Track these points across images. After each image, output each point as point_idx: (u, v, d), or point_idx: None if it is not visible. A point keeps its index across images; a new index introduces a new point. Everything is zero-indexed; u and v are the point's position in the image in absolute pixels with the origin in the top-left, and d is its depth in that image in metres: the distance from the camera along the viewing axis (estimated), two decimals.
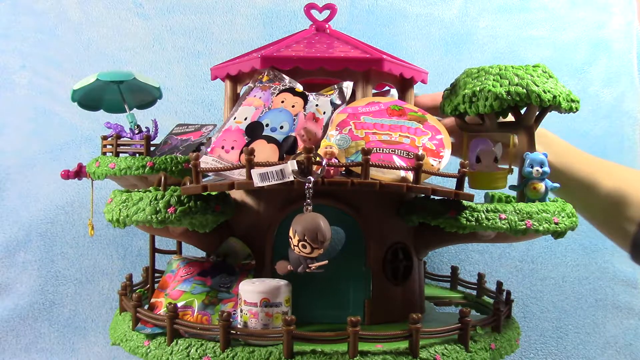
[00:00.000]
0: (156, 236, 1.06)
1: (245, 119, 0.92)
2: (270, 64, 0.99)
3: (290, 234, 0.80)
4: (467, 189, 0.97)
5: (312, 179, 0.79)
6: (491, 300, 1.18)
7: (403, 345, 0.84)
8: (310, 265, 0.79)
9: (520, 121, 1.06)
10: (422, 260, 1.10)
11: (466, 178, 0.95)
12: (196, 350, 0.84)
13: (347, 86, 0.95)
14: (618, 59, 1.63)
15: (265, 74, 0.98)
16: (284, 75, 0.98)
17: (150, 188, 1.00)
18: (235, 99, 1.08)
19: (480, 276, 1.23)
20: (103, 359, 1.50)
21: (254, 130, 0.90)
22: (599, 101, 1.61)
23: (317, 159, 0.81)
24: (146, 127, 1.16)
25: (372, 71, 1.01)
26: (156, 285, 1.03)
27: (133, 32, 1.56)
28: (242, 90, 1.07)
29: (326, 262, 0.80)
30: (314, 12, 1.13)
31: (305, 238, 0.77)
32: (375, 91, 1.18)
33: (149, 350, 0.88)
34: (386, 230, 1.00)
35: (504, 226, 0.91)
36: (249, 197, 1.01)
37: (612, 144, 1.61)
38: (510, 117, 1.09)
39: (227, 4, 1.58)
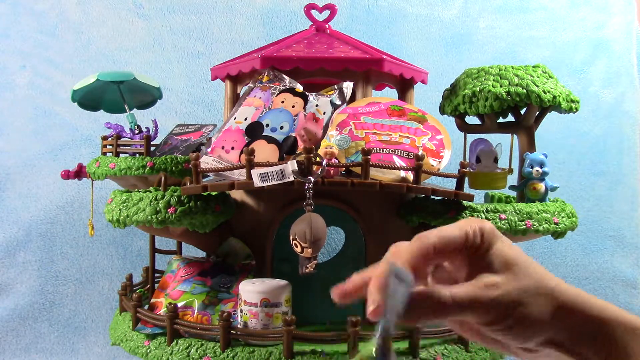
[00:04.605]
0: (156, 236, 1.06)
1: (246, 119, 0.92)
2: (271, 64, 0.99)
3: None
4: (467, 189, 0.97)
5: (312, 179, 0.79)
6: None
7: (403, 345, 0.84)
8: (307, 266, 0.79)
9: (520, 121, 1.06)
10: None
11: (466, 178, 0.95)
12: (196, 350, 0.84)
13: (347, 86, 0.95)
14: (618, 59, 1.63)
15: (266, 74, 0.98)
16: (284, 76, 0.98)
17: (151, 188, 0.99)
18: (235, 99, 1.08)
19: None
20: (103, 359, 1.50)
21: (254, 131, 0.90)
22: (599, 101, 1.61)
23: (317, 159, 0.81)
24: (146, 127, 1.16)
25: (372, 71, 1.01)
26: (156, 285, 1.03)
27: (133, 32, 1.56)
28: (242, 90, 1.07)
29: (316, 261, 0.80)
30: (314, 13, 1.13)
31: (296, 237, 0.77)
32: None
33: (149, 350, 0.88)
34: (386, 230, 1.00)
35: (504, 226, 0.91)
36: (249, 197, 1.01)
37: (612, 144, 1.61)
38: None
39: (227, 4, 1.58)
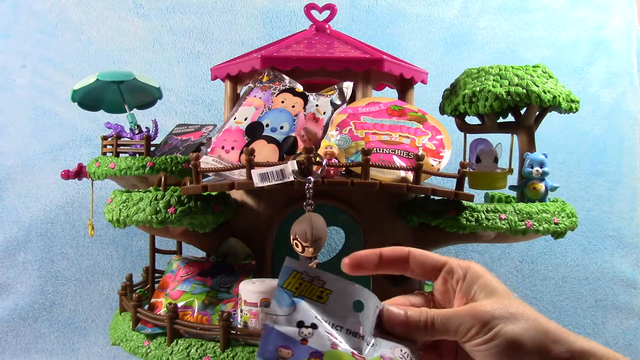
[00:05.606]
0: (156, 236, 1.06)
1: (246, 119, 0.92)
2: (271, 64, 0.99)
3: None
4: (467, 189, 0.97)
5: (312, 179, 0.79)
6: None
7: None
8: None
9: (520, 121, 1.06)
10: None
11: (466, 178, 0.95)
12: (196, 350, 0.84)
13: (347, 86, 0.95)
14: (618, 59, 1.63)
15: (266, 74, 0.98)
16: (284, 76, 0.98)
17: (151, 188, 0.99)
18: (235, 99, 1.08)
19: None
20: (103, 359, 1.50)
21: (254, 131, 0.90)
22: (599, 101, 1.61)
23: (317, 159, 0.81)
24: (146, 127, 1.16)
25: (372, 71, 1.01)
26: (156, 286, 1.03)
27: (133, 32, 1.56)
28: (242, 90, 1.07)
29: (317, 261, 0.80)
30: (314, 13, 1.13)
31: (297, 236, 0.77)
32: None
33: (149, 350, 0.88)
34: (386, 230, 1.00)
35: (504, 226, 0.91)
36: (249, 197, 1.01)
37: (612, 144, 1.61)
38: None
39: (227, 4, 1.58)
